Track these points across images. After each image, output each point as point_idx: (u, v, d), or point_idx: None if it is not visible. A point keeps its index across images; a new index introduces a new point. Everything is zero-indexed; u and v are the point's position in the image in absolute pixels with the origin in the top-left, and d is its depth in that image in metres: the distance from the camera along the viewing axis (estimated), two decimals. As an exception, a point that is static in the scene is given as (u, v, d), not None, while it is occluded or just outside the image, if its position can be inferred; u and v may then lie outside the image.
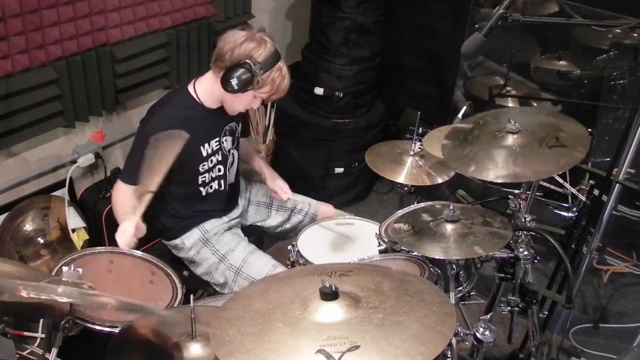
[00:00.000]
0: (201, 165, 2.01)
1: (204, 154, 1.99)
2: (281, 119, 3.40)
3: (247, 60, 1.79)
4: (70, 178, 2.47)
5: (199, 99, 1.95)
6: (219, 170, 2.08)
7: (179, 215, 2.08)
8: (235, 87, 1.81)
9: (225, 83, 1.82)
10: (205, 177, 2.04)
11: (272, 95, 1.92)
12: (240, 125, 2.14)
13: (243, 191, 2.30)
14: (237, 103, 1.93)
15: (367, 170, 2.31)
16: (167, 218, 2.09)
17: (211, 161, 2.03)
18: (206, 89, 1.95)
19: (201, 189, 2.05)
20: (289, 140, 3.38)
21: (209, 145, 2.00)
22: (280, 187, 2.24)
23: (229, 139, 2.09)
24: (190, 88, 1.96)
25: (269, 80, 1.85)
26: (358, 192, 3.52)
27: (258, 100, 1.92)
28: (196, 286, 2.17)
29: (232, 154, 2.13)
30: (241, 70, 1.79)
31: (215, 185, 2.09)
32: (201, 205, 2.09)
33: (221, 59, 1.84)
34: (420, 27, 3.34)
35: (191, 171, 2.00)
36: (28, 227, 2.40)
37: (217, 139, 2.03)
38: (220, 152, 2.05)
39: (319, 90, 3.17)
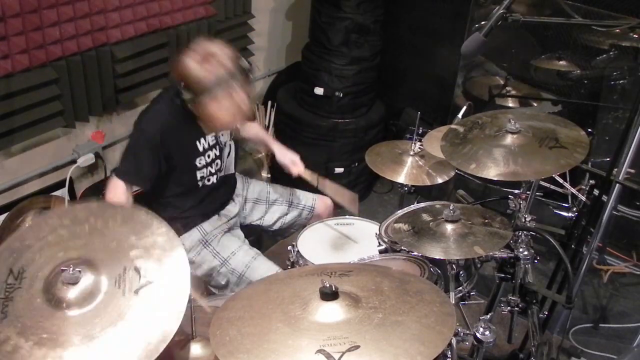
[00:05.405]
0: (198, 160, 2.00)
1: (200, 148, 1.99)
2: (281, 119, 3.39)
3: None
4: (70, 178, 2.47)
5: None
6: (217, 164, 2.08)
7: (178, 215, 2.07)
8: None
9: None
10: (203, 172, 2.03)
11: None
12: None
13: (240, 190, 2.30)
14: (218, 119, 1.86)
15: (367, 170, 2.31)
16: (166, 216, 2.07)
17: (208, 156, 2.02)
18: None
19: (199, 183, 2.05)
20: (289, 140, 3.35)
21: (205, 140, 2.00)
22: (291, 159, 2.21)
23: (226, 131, 2.09)
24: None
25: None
26: (358, 192, 3.47)
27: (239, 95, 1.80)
28: (196, 286, 2.16)
29: (229, 145, 2.13)
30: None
31: (213, 179, 2.09)
32: (199, 197, 2.08)
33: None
34: (420, 27, 3.34)
35: (188, 166, 1.99)
36: (28, 227, 2.40)
37: (214, 132, 2.02)
38: (217, 146, 2.05)
39: (319, 90, 3.17)
